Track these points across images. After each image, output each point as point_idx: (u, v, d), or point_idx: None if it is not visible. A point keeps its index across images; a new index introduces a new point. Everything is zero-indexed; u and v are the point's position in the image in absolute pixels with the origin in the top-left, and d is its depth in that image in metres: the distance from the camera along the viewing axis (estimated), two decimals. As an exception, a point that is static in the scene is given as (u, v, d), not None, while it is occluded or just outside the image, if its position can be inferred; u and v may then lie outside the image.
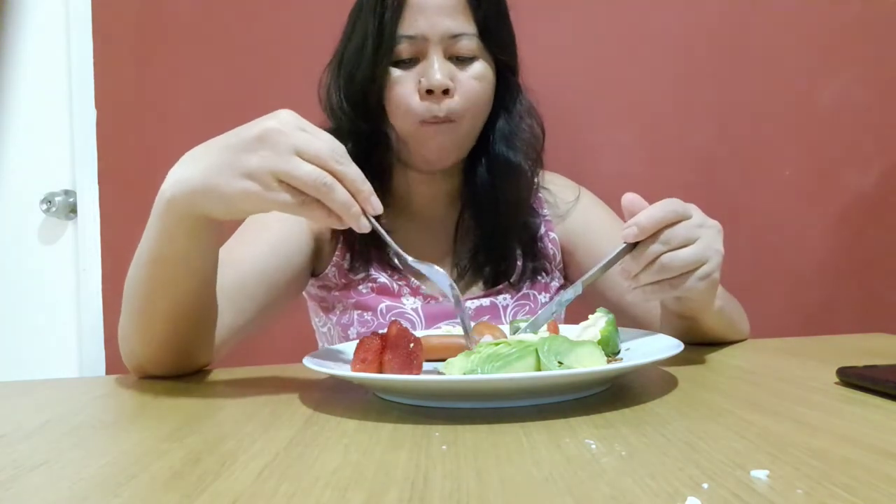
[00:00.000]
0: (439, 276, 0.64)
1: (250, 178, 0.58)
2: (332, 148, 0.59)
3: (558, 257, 1.00)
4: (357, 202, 0.59)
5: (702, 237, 0.64)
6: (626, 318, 0.91)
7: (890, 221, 1.36)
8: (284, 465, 0.42)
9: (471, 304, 0.92)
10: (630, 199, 0.64)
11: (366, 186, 0.60)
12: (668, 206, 0.63)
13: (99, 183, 1.42)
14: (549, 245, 0.99)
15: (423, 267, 0.64)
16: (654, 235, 0.63)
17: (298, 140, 0.58)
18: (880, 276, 1.36)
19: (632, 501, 0.33)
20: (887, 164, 1.36)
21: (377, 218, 0.61)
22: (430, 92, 0.83)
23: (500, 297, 0.94)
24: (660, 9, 1.37)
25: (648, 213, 0.63)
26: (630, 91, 1.37)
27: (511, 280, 0.94)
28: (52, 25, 1.49)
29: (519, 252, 0.95)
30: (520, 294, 0.95)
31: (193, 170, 0.61)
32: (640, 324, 0.91)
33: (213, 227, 0.66)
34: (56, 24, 1.48)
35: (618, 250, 0.65)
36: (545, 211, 1.00)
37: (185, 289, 0.69)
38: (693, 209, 0.66)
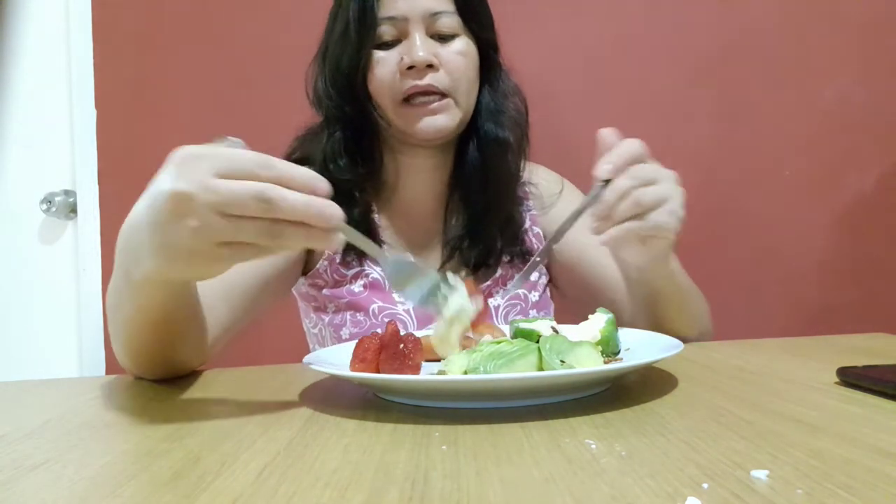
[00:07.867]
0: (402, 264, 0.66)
1: (197, 255, 0.50)
2: (249, 157, 0.49)
3: None
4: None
5: (663, 177, 0.65)
6: (582, 282, 0.96)
7: (890, 221, 1.36)
8: (284, 465, 0.41)
9: None
10: (605, 133, 0.66)
11: (321, 183, 0.50)
12: (634, 146, 0.65)
13: (99, 183, 1.42)
14: (533, 239, 0.99)
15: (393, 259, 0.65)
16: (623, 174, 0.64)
17: (208, 169, 0.48)
18: (880, 276, 1.36)
19: (632, 501, 0.33)
20: (887, 164, 1.36)
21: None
22: (411, 68, 0.85)
23: (491, 300, 0.94)
24: (660, 8, 1.37)
25: (619, 152, 0.64)
26: (630, 90, 1.37)
27: (489, 262, 0.95)
28: (52, 25, 1.49)
29: (499, 244, 0.96)
30: (510, 295, 0.95)
31: (144, 253, 0.54)
32: (596, 286, 0.95)
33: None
34: (56, 24, 1.48)
35: (592, 192, 0.65)
36: (530, 204, 1.02)
37: (165, 316, 0.64)
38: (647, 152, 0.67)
